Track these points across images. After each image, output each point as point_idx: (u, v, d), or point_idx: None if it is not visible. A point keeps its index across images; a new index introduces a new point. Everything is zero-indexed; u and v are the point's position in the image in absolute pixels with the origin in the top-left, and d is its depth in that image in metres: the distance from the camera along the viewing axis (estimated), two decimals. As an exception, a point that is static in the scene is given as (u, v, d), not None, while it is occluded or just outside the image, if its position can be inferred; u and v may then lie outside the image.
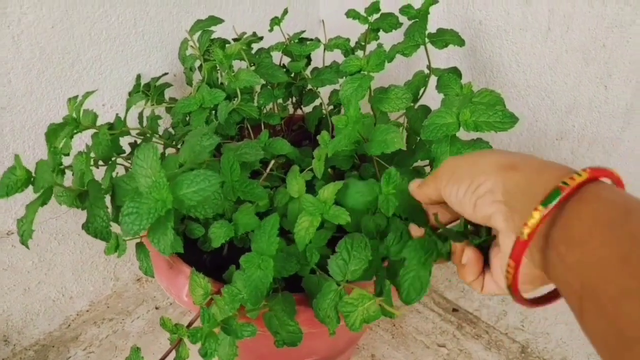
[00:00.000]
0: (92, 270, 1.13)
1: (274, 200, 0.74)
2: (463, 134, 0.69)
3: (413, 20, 0.86)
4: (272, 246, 0.62)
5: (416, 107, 0.87)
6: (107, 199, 0.66)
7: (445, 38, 0.85)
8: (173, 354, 0.68)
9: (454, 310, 1.17)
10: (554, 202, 0.37)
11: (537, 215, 0.37)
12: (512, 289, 0.42)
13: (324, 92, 0.96)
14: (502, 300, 1.14)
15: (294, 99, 0.99)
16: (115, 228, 0.68)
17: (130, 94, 1.02)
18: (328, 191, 0.67)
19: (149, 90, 1.00)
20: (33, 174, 0.59)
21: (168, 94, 1.00)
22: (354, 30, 0.96)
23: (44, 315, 1.08)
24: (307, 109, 1.00)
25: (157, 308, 1.15)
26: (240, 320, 0.65)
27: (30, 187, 0.59)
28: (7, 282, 1.02)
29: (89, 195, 0.59)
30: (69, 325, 1.10)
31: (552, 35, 0.86)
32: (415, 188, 0.54)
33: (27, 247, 0.59)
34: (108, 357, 1.05)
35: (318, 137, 0.74)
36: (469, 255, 0.50)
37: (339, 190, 0.66)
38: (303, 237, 0.66)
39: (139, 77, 1.02)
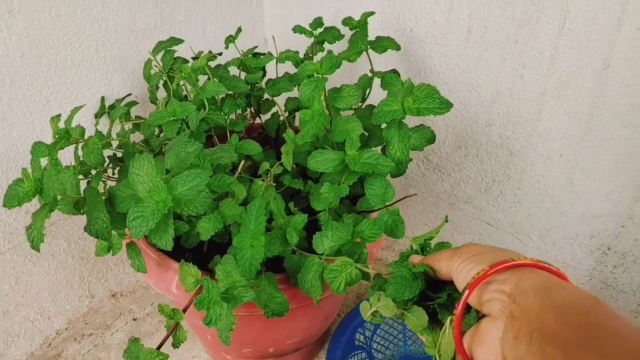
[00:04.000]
0: (67, 289, 1.17)
1: (250, 192, 0.82)
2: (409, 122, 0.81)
3: (354, 30, 0.98)
4: (262, 225, 0.71)
5: (363, 106, 0.99)
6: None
7: (384, 44, 0.97)
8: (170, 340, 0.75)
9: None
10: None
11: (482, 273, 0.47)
12: (455, 329, 0.49)
13: (280, 101, 1.06)
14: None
15: (253, 109, 1.08)
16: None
17: (96, 115, 1.09)
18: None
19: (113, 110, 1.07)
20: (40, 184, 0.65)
21: (133, 113, 1.07)
22: (298, 45, 1.07)
23: (25, 337, 1.11)
24: (265, 117, 1.09)
25: (134, 319, 1.19)
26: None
27: None
28: (-14, 307, 1.05)
29: (87, 202, 0.65)
30: (50, 344, 1.13)
31: (473, 36, 1.00)
32: (421, 259, 0.59)
33: (38, 250, 0.65)
34: (92, 369, 1.09)
35: (284, 135, 0.83)
36: None
37: (309, 159, 0.77)
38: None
39: (103, 99, 1.09)
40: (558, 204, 1.04)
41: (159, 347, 0.76)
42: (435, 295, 0.59)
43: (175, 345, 0.75)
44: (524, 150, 1.03)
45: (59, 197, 0.68)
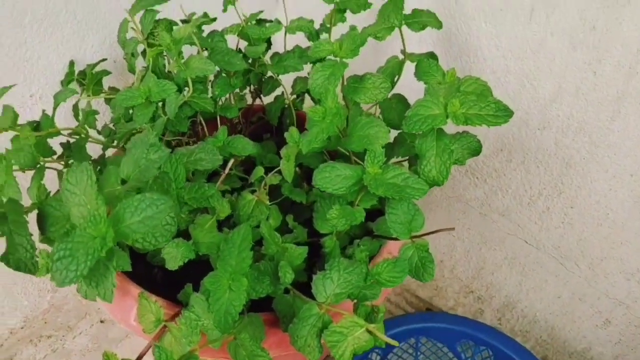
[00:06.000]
0: (25, 282, 1.00)
1: (236, 207, 0.64)
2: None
3: (386, 0, 0.77)
4: (245, 262, 0.53)
5: (390, 96, 0.78)
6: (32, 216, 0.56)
7: (422, 20, 0.76)
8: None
9: (428, 309, 1.11)
10: None
11: None
12: None
13: (286, 79, 0.86)
14: (479, 298, 1.09)
15: (252, 87, 0.88)
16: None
17: (62, 82, 0.89)
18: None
19: (84, 78, 0.88)
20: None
21: (107, 83, 0.88)
22: (314, 11, 0.86)
23: (-29, 337, 0.95)
24: (267, 98, 0.89)
25: (102, 322, 1.03)
26: (201, 355, 0.55)
27: None
28: None
29: (7, 220, 0.47)
30: (2, 345, 0.97)
31: (537, 16, 0.78)
32: None
33: None
34: (48, 380, 0.93)
35: (286, 134, 0.64)
36: None
37: (316, 174, 0.59)
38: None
39: (72, 63, 0.89)
40: (619, 231, 0.84)
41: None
42: None
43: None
44: (584, 163, 0.83)
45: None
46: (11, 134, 0.63)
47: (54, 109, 0.64)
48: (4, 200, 0.51)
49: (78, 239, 0.43)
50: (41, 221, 0.51)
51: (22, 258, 0.49)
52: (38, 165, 0.61)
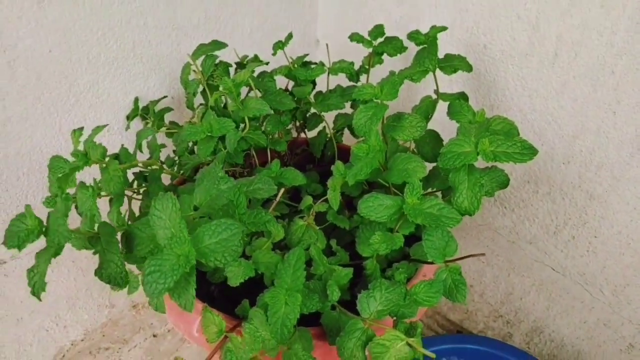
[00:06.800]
0: (86, 297, 1.09)
1: (289, 231, 0.72)
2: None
3: (421, 46, 0.85)
4: (299, 280, 0.61)
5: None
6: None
7: (454, 64, 0.84)
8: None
9: (458, 332, 1.16)
10: None
11: None
12: None
13: (329, 115, 0.94)
14: (507, 322, 1.14)
15: (298, 122, 0.97)
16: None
17: (128, 117, 1.00)
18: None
19: (147, 113, 0.98)
20: (44, 224, 0.57)
21: (167, 117, 0.98)
22: (353, 51, 0.95)
23: (38, 346, 1.04)
24: (311, 132, 0.98)
25: (154, 336, 1.11)
26: (260, 362, 0.63)
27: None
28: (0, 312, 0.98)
29: (100, 240, 0.56)
30: (64, 356, 1.06)
31: (560, 61, 0.86)
32: None
33: (40, 299, 0.57)
34: (106, 389, 1.01)
35: (333, 167, 0.72)
36: None
37: (360, 203, 0.66)
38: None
39: (137, 100, 1.00)
40: (641, 260, 0.90)
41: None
42: None
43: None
44: (606, 195, 0.89)
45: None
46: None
47: (137, 145, 0.73)
48: (96, 223, 0.59)
49: (166, 257, 0.51)
50: (128, 241, 0.59)
51: (112, 273, 0.57)
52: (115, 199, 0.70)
